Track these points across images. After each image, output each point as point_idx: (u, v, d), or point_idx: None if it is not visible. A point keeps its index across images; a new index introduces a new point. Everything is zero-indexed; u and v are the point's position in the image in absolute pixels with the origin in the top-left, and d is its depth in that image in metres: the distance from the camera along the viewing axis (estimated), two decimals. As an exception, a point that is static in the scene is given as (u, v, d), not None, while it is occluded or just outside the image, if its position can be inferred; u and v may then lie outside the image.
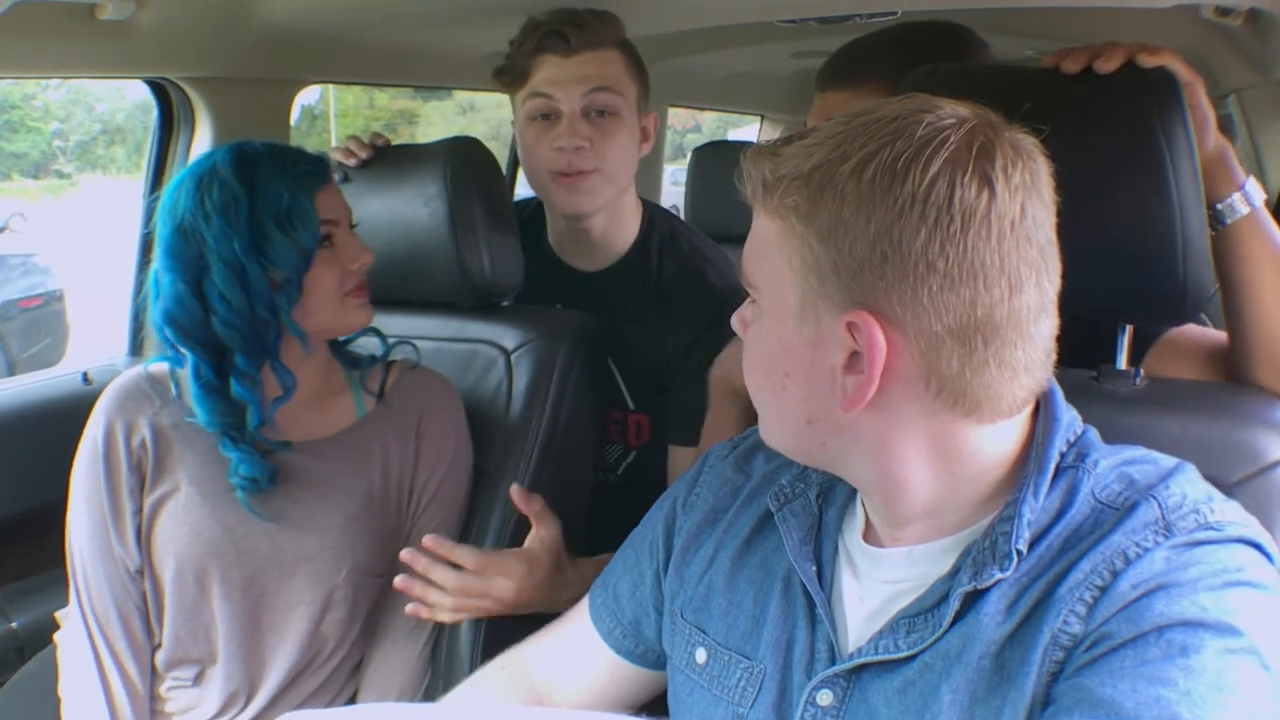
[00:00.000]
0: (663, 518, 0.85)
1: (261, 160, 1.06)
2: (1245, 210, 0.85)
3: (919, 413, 0.63)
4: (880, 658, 0.66)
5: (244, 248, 1.03)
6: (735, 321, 0.72)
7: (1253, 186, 0.85)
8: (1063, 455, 0.66)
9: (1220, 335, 0.95)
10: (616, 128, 1.29)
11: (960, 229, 0.59)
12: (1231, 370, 0.90)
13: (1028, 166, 0.61)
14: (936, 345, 0.61)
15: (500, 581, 1.09)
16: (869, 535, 0.72)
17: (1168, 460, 0.67)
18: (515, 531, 1.21)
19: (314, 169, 1.09)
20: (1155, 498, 0.62)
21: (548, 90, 1.28)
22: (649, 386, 1.35)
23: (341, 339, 1.20)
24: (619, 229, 1.38)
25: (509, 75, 1.31)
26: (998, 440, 0.65)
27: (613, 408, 1.38)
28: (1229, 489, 0.78)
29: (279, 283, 1.05)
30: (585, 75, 1.27)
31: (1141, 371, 0.87)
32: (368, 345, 1.22)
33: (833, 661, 0.69)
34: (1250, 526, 0.62)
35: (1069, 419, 0.68)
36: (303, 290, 1.07)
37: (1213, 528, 0.61)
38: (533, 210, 1.45)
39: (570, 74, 1.27)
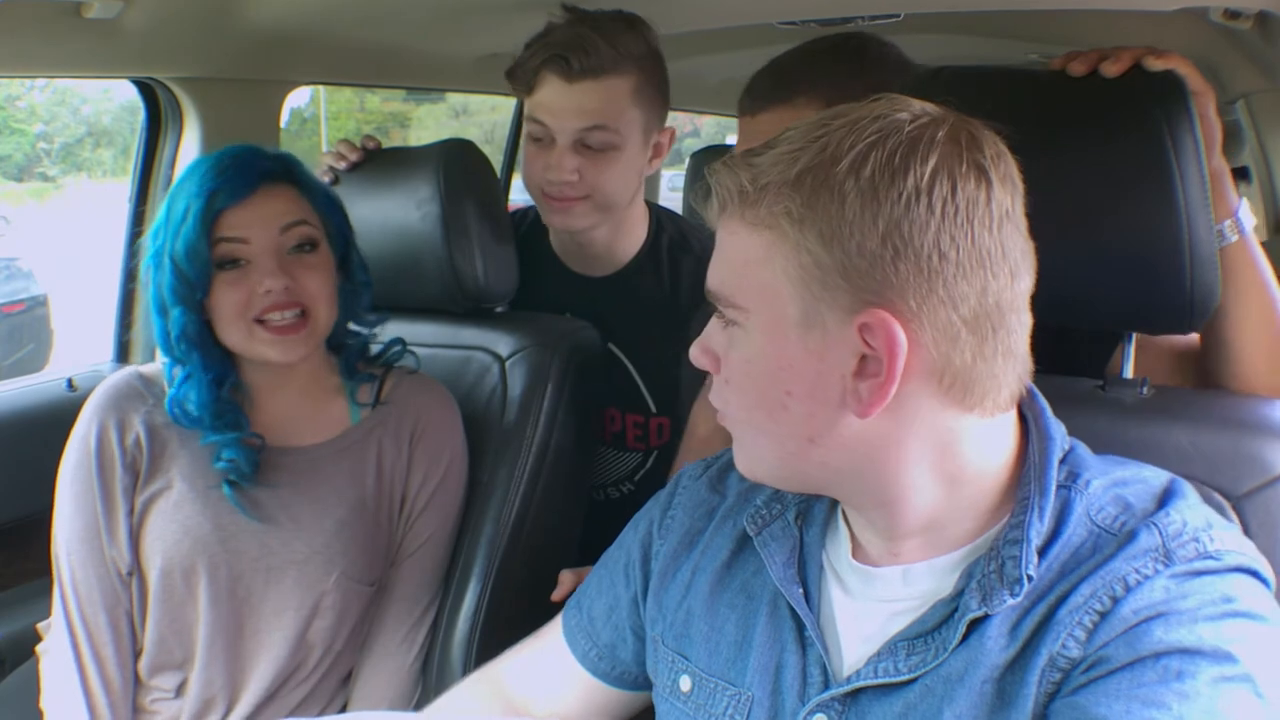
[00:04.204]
0: (639, 541, 0.83)
1: (197, 168, 1.06)
2: (1235, 237, 0.85)
3: (928, 409, 0.62)
4: (880, 681, 0.65)
5: (154, 257, 1.06)
6: (701, 357, 0.68)
7: (1244, 212, 0.85)
8: None
9: (1189, 340, 0.95)
10: (612, 160, 1.27)
11: (966, 218, 0.59)
12: (1202, 380, 0.91)
13: (1007, 160, 0.63)
14: (953, 336, 0.61)
15: None
16: (858, 553, 0.70)
17: (1157, 478, 0.66)
18: (509, 544, 1.20)
19: (228, 185, 1.04)
20: (1156, 525, 0.62)
21: (542, 117, 1.26)
22: (670, 388, 1.34)
23: (338, 340, 1.18)
24: (623, 239, 1.37)
25: (517, 83, 1.29)
26: (994, 441, 0.65)
27: (635, 411, 1.37)
28: (1237, 501, 0.77)
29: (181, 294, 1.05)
30: (583, 108, 1.23)
31: (1148, 381, 0.86)
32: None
33: (827, 685, 0.68)
34: (1248, 554, 0.62)
35: (1060, 435, 0.68)
36: (212, 309, 1.06)
37: (1212, 557, 0.61)
38: (535, 216, 1.44)
39: (568, 103, 1.24)
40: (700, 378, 1.20)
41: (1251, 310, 0.84)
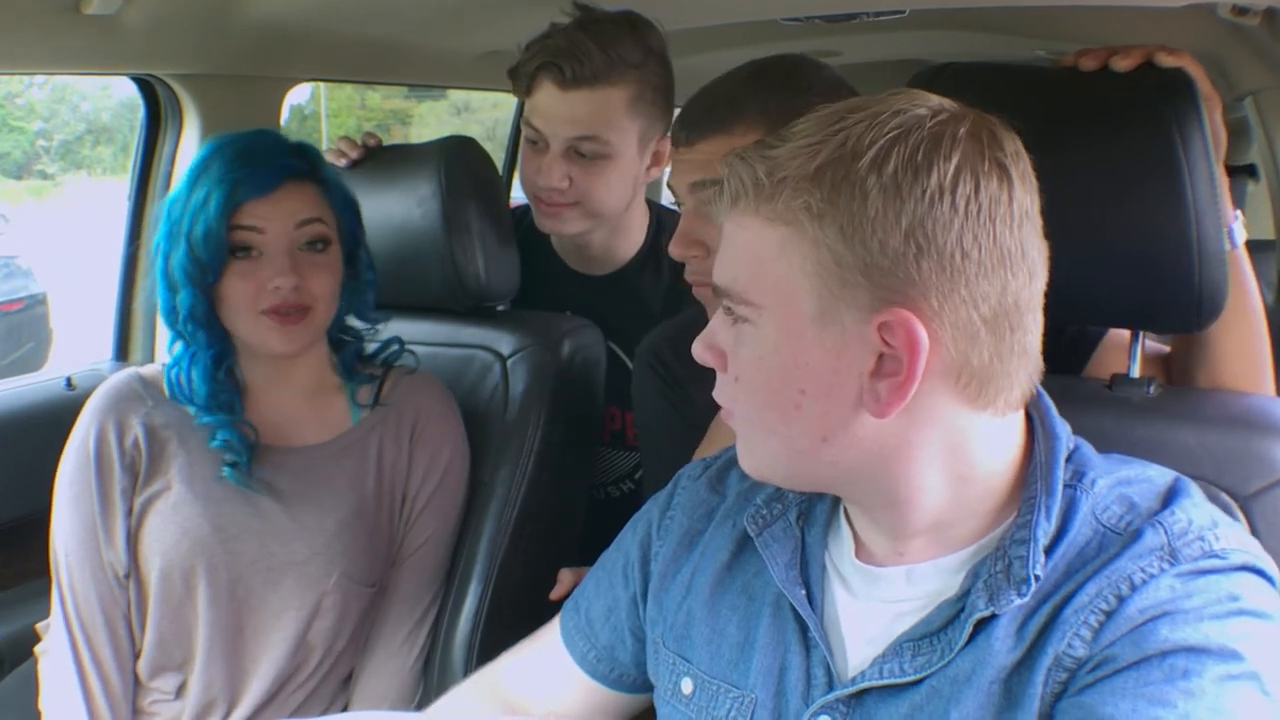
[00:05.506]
0: (637, 542, 0.83)
1: (223, 152, 1.06)
2: (1227, 248, 0.83)
3: (944, 409, 0.62)
4: (885, 682, 0.64)
5: (167, 234, 1.06)
6: (706, 353, 0.67)
7: (1238, 226, 0.84)
8: None
9: (1159, 346, 0.95)
10: (604, 170, 1.26)
11: (989, 217, 0.59)
12: (1172, 379, 0.91)
13: (1025, 159, 0.62)
14: (972, 335, 0.60)
15: None
16: (861, 553, 0.70)
17: (1162, 477, 0.66)
18: (511, 543, 1.20)
19: (252, 178, 1.04)
20: (1161, 524, 0.62)
21: (536, 122, 1.26)
22: None
23: (337, 337, 1.18)
24: (622, 240, 1.37)
25: (517, 84, 1.29)
26: (1004, 440, 0.65)
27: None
28: (1245, 501, 0.77)
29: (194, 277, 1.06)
30: (575, 117, 1.23)
31: (1156, 380, 0.85)
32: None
33: (831, 687, 0.67)
34: (1253, 552, 0.62)
35: (1065, 434, 0.67)
36: (220, 294, 1.06)
37: (1217, 555, 0.61)
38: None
39: (561, 111, 1.23)
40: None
41: (1231, 325, 0.84)
